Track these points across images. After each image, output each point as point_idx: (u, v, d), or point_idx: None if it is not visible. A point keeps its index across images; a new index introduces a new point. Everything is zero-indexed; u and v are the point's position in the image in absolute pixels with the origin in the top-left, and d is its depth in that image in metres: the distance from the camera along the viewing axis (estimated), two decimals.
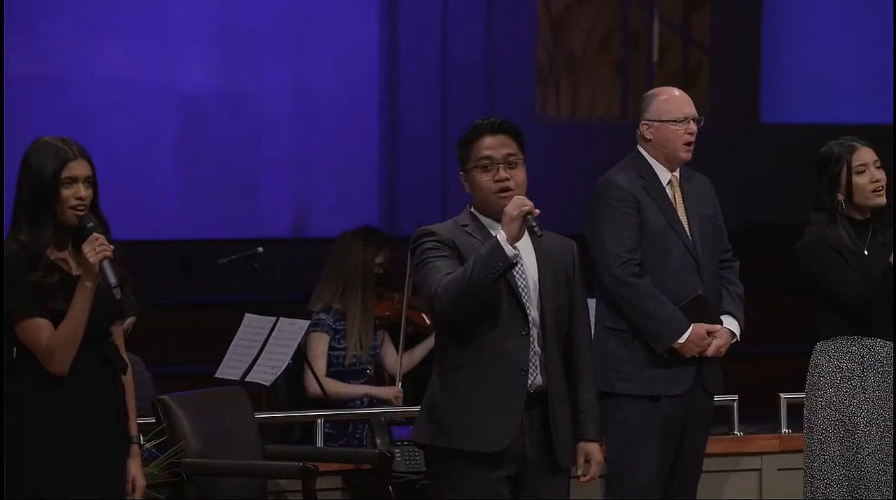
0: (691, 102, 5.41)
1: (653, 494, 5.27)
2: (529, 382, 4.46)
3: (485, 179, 4.48)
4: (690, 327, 5.25)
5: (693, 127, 5.36)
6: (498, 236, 4.36)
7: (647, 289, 5.26)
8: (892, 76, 10.71)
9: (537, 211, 4.39)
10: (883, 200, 5.03)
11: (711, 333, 5.28)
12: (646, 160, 5.38)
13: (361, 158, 9.91)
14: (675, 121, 5.34)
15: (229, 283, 7.78)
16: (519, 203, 4.39)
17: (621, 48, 10.61)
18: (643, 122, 5.40)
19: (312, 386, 6.45)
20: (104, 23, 9.27)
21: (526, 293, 4.49)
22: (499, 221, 4.47)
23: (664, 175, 5.38)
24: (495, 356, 4.43)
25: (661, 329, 5.25)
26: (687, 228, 5.35)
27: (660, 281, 5.28)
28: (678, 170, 5.41)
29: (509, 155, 4.48)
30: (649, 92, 5.47)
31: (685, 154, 5.37)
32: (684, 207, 5.38)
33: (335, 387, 6.49)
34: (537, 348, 4.48)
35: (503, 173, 4.47)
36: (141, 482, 4.41)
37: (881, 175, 5.03)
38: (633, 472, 5.26)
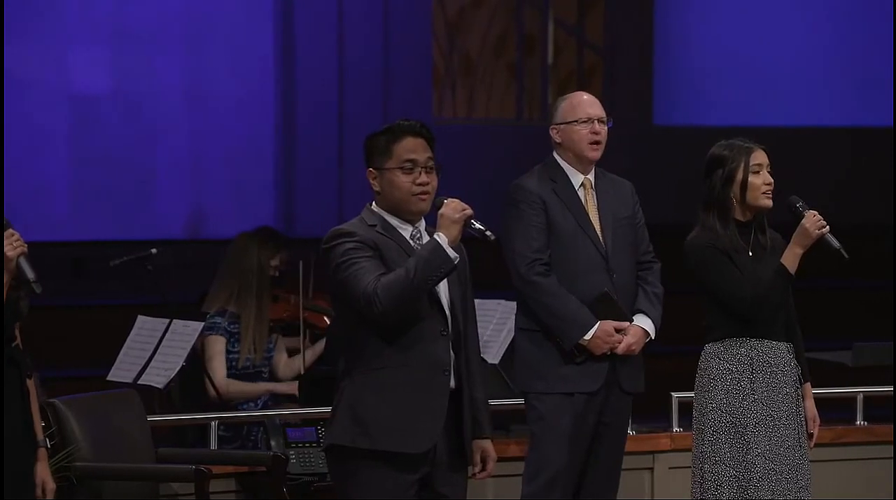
0: (598, 104, 5.47)
1: (564, 490, 5.32)
2: (452, 383, 4.51)
3: (406, 180, 4.50)
4: (597, 324, 5.31)
5: (598, 127, 5.42)
6: (438, 239, 4.43)
7: (552, 287, 5.31)
8: (773, 79, 10.89)
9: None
10: (770, 202, 5.12)
11: (620, 330, 5.34)
12: (558, 164, 5.45)
13: (257, 158, 9.86)
14: (577, 121, 5.40)
15: (122, 285, 7.71)
16: (459, 207, 4.47)
17: (516, 50, 10.66)
18: (552, 126, 5.47)
19: (219, 389, 6.43)
20: None
21: (442, 293, 4.54)
22: (408, 221, 4.54)
23: (576, 178, 5.45)
24: (421, 358, 4.47)
25: (566, 326, 5.31)
26: (598, 230, 5.41)
27: (568, 281, 5.34)
28: (593, 173, 5.48)
29: (429, 159, 4.54)
30: (559, 98, 5.54)
31: (592, 153, 5.43)
32: (597, 208, 5.44)
33: (236, 387, 6.45)
34: (453, 349, 4.54)
35: (425, 177, 4.52)
36: (51, 485, 4.41)
37: (771, 179, 5.12)
38: (546, 468, 5.30)
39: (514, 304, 5.50)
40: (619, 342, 5.32)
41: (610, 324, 5.32)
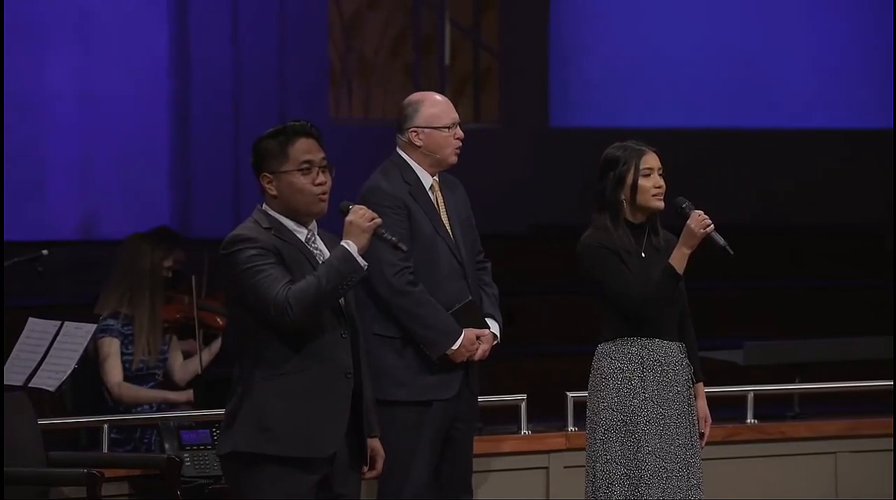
0: (453, 106, 5.46)
1: (425, 497, 5.32)
2: (354, 385, 4.52)
3: (305, 181, 4.49)
4: (463, 333, 5.33)
5: (460, 132, 5.42)
6: (348, 247, 4.43)
7: (422, 297, 5.30)
8: (669, 81, 11.01)
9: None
10: (661, 204, 5.18)
11: (480, 337, 5.37)
12: (408, 164, 5.39)
13: (151, 158, 9.78)
14: (446, 127, 5.37)
15: (12, 286, 7.58)
16: (368, 215, 4.48)
17: (413, 51, 10.68)
18: (412, 129, 5.37)
19: (112, 391, 6.37)
20: None
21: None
22: (303, 223, 4.53)
23: (427, 180, 5.41)
24: (323, 361, 4.47)
25: (436, 336, 5.31)
26: (450, 233, 5.40)
27: (431, 287, 5.32)
28: (437, 174, 5.45)
29: (323, 158, 4.54)
30: (411, 98, 5.46)
31: (454, 158, 5.42)
32: (446, 211, 5.42)
33: (130, 391, 6.39)
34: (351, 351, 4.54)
35: (322, 177, 4.51)
36: None
37: (662, 182, 5.18)
38: (406, 477, 5.30)
39: None
40: (478, 349, 5.36)
41: (473, 332, 5.36)
